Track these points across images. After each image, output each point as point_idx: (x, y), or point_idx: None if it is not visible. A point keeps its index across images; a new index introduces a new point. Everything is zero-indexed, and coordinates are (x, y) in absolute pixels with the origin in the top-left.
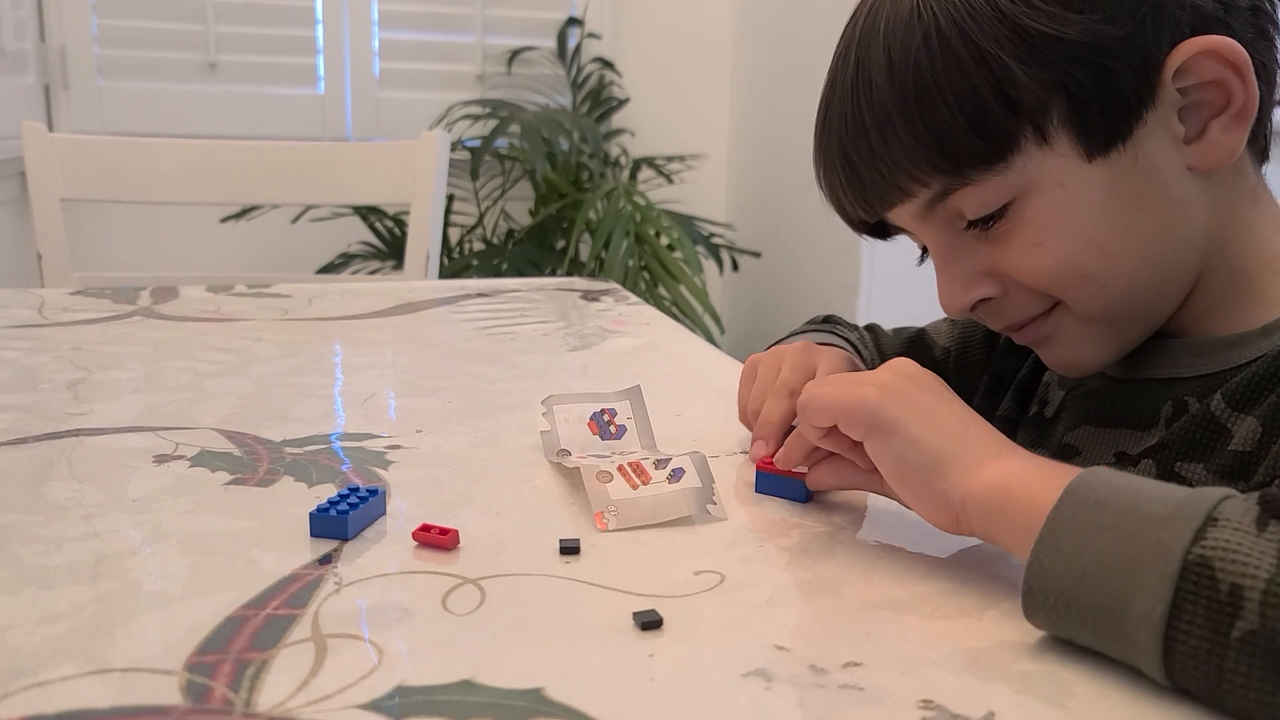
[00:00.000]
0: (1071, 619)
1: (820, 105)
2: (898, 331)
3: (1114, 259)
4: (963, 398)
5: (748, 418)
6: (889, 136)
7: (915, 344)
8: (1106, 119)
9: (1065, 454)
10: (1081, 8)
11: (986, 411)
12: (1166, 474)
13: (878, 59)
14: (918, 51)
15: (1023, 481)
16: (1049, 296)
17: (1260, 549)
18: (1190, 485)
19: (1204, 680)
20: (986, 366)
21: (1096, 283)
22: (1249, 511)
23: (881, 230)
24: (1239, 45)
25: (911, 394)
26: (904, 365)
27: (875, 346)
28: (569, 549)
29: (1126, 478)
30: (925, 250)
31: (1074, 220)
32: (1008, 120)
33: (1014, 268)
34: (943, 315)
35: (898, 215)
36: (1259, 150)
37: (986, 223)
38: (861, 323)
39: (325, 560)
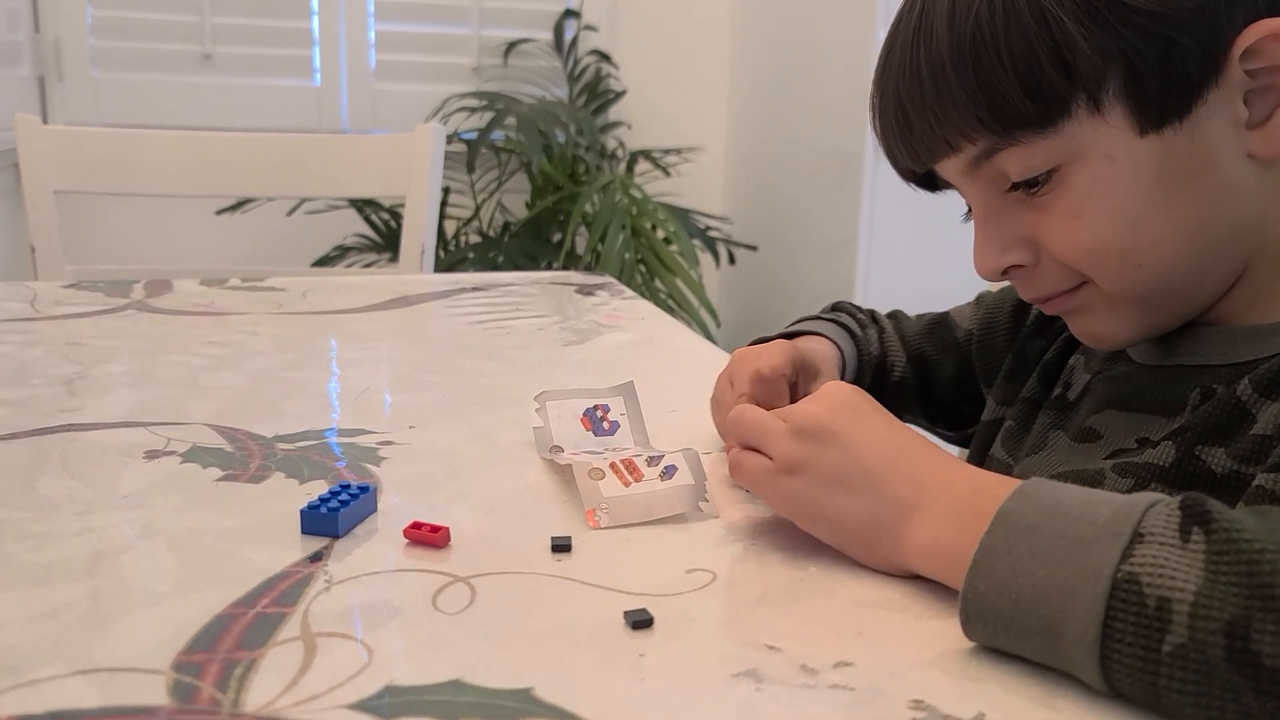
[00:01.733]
0: (1011, 640)
1: (883, 48)
2: (920, 317)
3: (1152, 240)
4: (985, 380)
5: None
6: (942, 88)
7: (938, 326)
8: (1165, 94)
9: (1086, 437)
10: None
11: (1010, 393)
12: (1186, 457)
13: (942, 7)
14: (980, 4)
15: (952, 538)
16: (1078, 274)
17: (1186, 561)
18: (1210, 470)
19: (1143, 695)
20: (1009, 349)
21: (1130, 262)
22: (1171, 520)
23: (930, 182)
24: None
25: (819, 457)
26: (806, 421)
27: (895, 330)
28: (560, 547)
29: (1054, 496)
30: (970, 210)
31: (1117, 195)
32: (1061, 85)
33: (1050, 238)
34: (940, 304)
35: (944, 169)
36: None
37: (1031, 187)
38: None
39: (316, 558)
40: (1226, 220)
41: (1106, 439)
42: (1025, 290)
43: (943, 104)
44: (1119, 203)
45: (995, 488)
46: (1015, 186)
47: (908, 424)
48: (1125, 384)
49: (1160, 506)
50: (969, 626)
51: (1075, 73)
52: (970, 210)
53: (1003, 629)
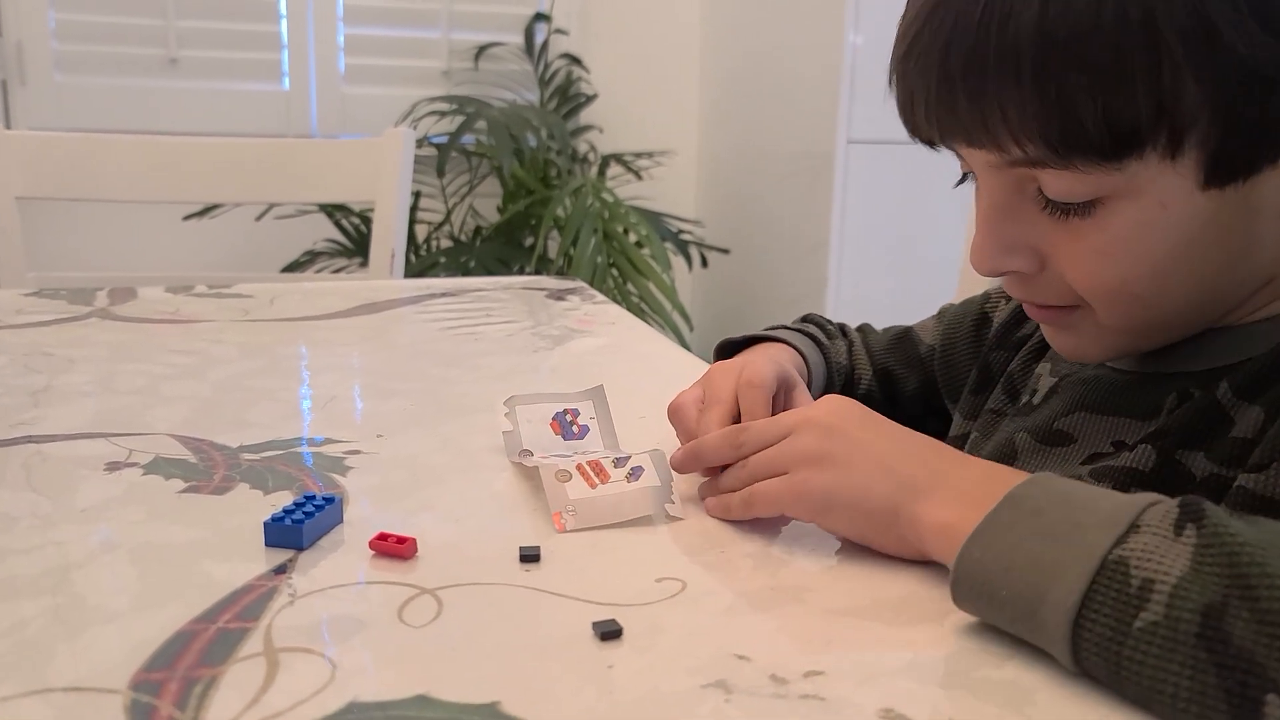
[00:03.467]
0: (993, 607)
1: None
2: (886, 330)
3: (1170, 286)
4: (949, 396)
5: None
6: (1007, 84)
7: (902, 341)
8: (1245, 152)
9: (1057, 440)
10: (1277, 30)
11: (975, 406)
12: (1166, 461)
13: None
14: (1083, 7)
15: (964, 521)
16: (1079, 298)
17: (1176, 551)
18: (1190, 473)
19: (1105, 668)
20: (973, 363)
21: (1140, 304)
22: (1168, 515)
23: (932, 142)
24: None
25: (833, 451)
26: (813, 425)
27: (863, 344)
28: (529, 557)
29: (1065, 488)
30: (965, 175)
31: (1156, 243)
32: (1149, 124)
33: (1069, 265)
34: (912, 306)
35: (970, 153)
36: None
37: (1064, 207)
38: (834, 319)
39: (280, 570)
40: (1242, 270)
41: (1080, 442)
42: (1016, 291)
43: (1004, 101)
44: (1155, 249)
45: (1008, 476)
46: (1045, 199)
47: None
48: (1097, 387)
49: (1160, 505)
50: (956, 590)
51: (1169, 115)
52: (965, 177)
53: (987, 595)
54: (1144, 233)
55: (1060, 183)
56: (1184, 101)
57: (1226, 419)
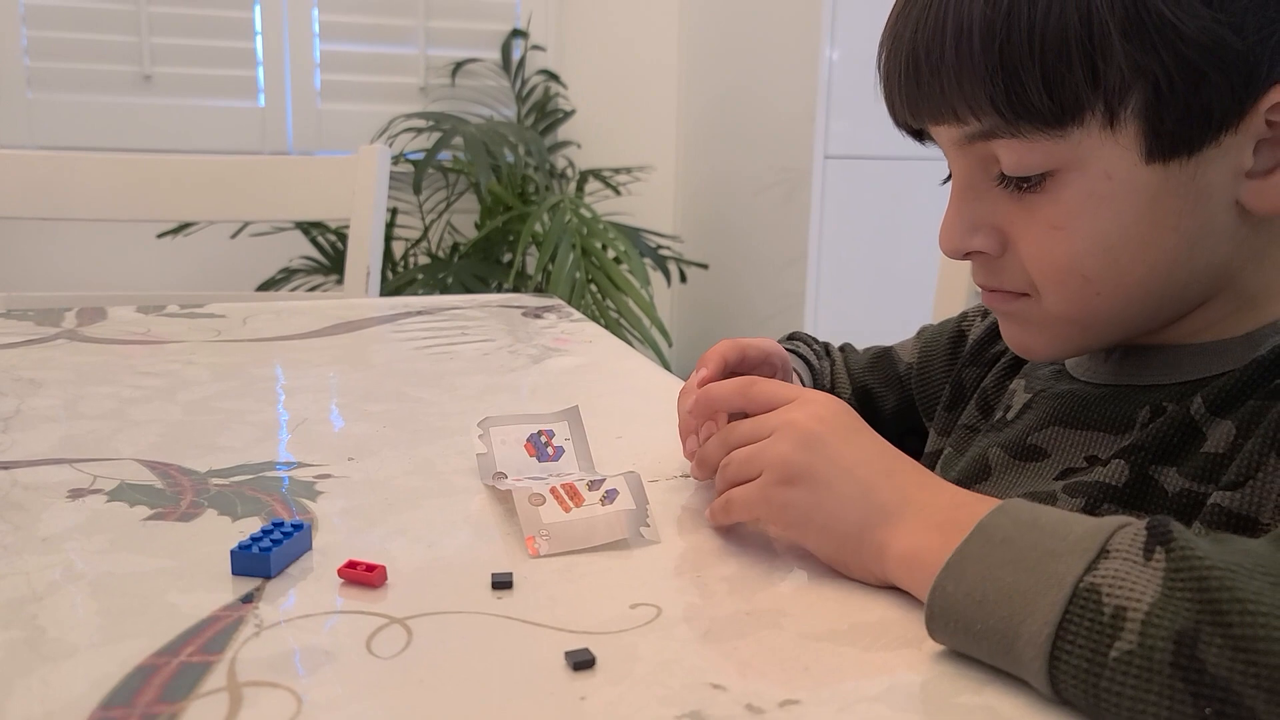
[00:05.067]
0: (970, 641)
1: None
2: (866, 350)
3: (1121, 271)
4: (925, 413)
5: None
6: (963, 55)
7: (881, 360)
8: (1183, 126)
9: (1031, 455)
10: (1215, 4)
11: (949, 423)
12: (1139, 476)
13: None
14: None
15: (930, 550)
16: (1031, 284)
17: (1146, 576)
18: (1163, 488)
19: (1083, 698)
20: (948, 379)
21: (1090, 289)
22: (1137, 539)
23: (918, 133)
24: None
25: (812, 465)
26: (796, 430)
27: (844, 363)
28: (501, 584)
29: (1033, 514)
30: (950, 176)
31: (1104, 217)
32: (1084, 90)
33: (1024, 240)
34: (888, 319)
35: (938, 134)
36: None
37: (1021, 182)
38: (813, 333)
39: (246, 600)
40: (1197, 264)
41: (1054, 457)
42: (979, 275)
43: (960, 72)
44: (1104, 225)
45: (975, 505)
46: (1004, 177)
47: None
48: (1070, 401)
49: (1129, 528)
50: (932, 624)
51: (1101, 80)
52: (950, 176)
53: (963, 629)
54: (1093, 204)
55: (1013, 155)
56: (1114, 69)
57: (1198, 434)
